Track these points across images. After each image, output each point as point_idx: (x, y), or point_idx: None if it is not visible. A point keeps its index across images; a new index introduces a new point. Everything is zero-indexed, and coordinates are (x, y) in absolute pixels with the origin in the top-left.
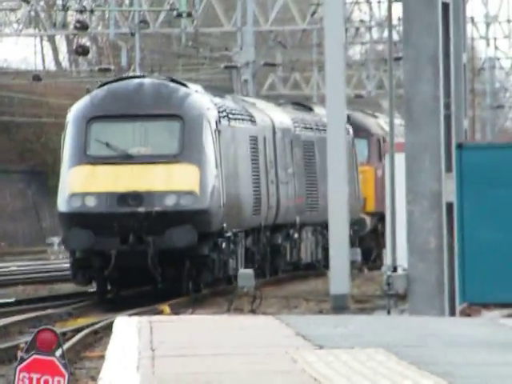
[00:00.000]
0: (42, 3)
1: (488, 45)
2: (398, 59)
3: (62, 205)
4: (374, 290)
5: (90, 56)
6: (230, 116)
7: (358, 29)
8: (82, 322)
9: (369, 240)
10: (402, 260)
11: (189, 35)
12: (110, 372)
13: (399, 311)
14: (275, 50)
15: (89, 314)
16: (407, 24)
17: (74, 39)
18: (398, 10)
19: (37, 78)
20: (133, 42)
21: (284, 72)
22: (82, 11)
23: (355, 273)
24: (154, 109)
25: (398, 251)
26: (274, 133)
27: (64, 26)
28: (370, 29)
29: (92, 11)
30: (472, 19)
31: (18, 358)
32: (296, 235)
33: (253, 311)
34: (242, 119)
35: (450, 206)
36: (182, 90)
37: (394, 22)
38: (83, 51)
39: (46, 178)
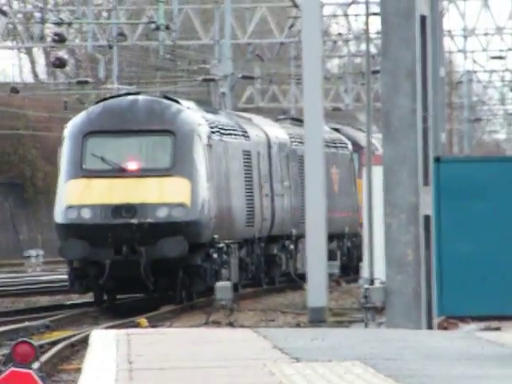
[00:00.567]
0: (19, 16)
1: (465, 58)
2: (375, 72)
3: (59, 216)
4: (352, 302)
5: (67, 68)
6: (222, 131)
7: (335, 42)
8: (58, 334)
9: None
10: (380, 273)
11: (167, 48)
12: None
13: (377, 324)
14: (253, 63)
15: (66, 327)
16: (385, 37)
17: (52, 52)
18: (375, 23)
19: (14, 90)
20: (111, 55)
21: (262, 85)
22: (59, 24)
23: (333, 286)
24: (147, 124)
25: (376, 264)
26: (270, 147)
27: (42, 38)
28: (347, 42)
29: (70, 24)
30: (449, 32)
31: None
32: (292, 246)
33: (230, 324)
34: (235, 134)
35: (427, 218)
36: (175, 106)
37: (372, 35)
38: (61, 64)
39: (23, 190)
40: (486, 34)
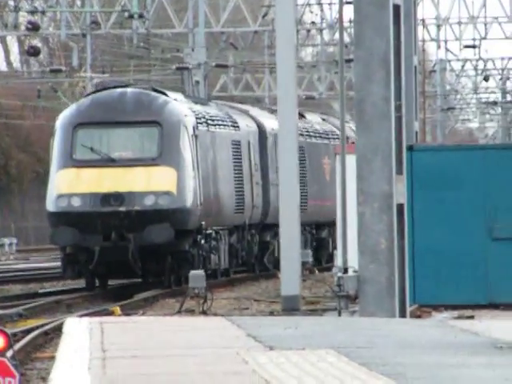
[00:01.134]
0: None
1: (439, 47)
2: (349, 61)
3: (50, 205)
4: (325, 291)
5: (41, 57)
6: (209, 122)
7: (309, 31)
8: (32, 323)
9: None
10: (353, 261)
11: (140, 36)
12: (60, 373)
13: (350, 313)
14: (227, 52)
15: (39, 315)
16: (358, 26)
17: (26, 40)
18: (349, 11)
19: None
20: (84, 43)
21: (235, 73)
22: (33, 12)
23: (306, 274)
24: (134, 116)
25: (349, 252)
26: (265, 138)
27: (15, 26)
28: (321, 31)
29: (43, 12)
30: (423, 21)
31: None
32: None
33: (204, 312)
34: (224, 125)
35: (400, 207)
36: (162, 98)
37: (345, 23)
38: (34, 52)
39: None
40: (459, 23)
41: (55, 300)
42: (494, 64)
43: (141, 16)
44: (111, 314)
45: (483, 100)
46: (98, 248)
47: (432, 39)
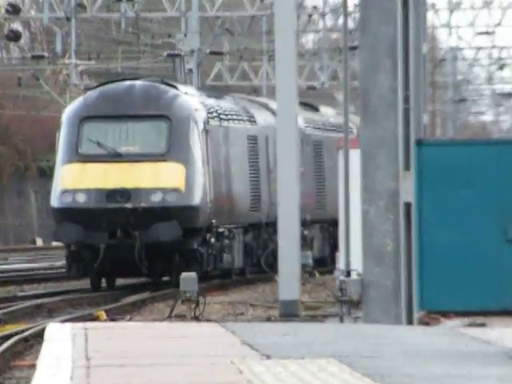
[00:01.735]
0: None
1: (450, 34)
2: (353, 48)
3: (54, 200)
4: (326, 295)
5: (22, 42)
6: (222, 116)
7: (310, 16)
8: (11, 328)
9: None
10: (357, 264)
11: (129, 20)
12: (41, 382)
13: (353, 319)
14: (222, 38)
15: (19, 320)
16: (364, 11)
17: (5, 24)
18: None
19: None
20: (68, 28)
21: (231, 61)
22: None
23: (306, 277)
24: (142, 110)
25: (352, 254)
26: None
27: None
28: (323, 16)
29: None
30: (433, 6)
31: None
32: (305, 232)
33: (196, 318)
34: (238, 119)
35: (407, 206)
36: (172, 91)
37: (350, 8)
38: (15, 36)
39: None
40: (472, 8)
41: (36, 304)
42: (510, 52)
43: None
44: (96, 319)
45: (497, 91)
46: (104, 246)
47: (443, 25)
